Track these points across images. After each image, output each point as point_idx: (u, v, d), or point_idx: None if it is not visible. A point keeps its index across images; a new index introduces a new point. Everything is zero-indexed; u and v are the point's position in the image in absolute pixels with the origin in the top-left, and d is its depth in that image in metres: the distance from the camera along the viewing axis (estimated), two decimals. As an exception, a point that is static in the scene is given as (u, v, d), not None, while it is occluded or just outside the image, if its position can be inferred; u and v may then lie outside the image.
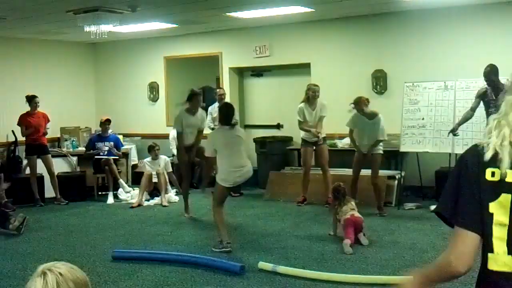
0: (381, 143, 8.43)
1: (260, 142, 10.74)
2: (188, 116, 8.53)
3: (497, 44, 8.78)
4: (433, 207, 6.77)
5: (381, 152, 8.48)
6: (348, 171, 8.76)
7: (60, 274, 1.74)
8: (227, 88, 11.13)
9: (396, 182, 9.05)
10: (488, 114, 7.65)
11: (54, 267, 1.78)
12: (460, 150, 8.34)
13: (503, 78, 7.62)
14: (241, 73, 11.69)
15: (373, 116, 8.34)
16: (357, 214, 6.99)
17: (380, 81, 9.84)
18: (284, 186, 9.82)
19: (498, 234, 1.75)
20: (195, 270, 5.99)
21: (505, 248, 1.74)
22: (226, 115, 7.01)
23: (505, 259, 1.74)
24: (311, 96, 8.91)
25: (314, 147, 9.14)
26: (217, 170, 6.82)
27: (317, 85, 8.99)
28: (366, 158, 8.41)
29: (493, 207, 1.76)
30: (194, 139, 8.63)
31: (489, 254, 1.77)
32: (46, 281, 1.70)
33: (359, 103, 8.35)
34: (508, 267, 1.74)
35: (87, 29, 8.87)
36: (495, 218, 1.75)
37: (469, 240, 1.78)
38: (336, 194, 7.23)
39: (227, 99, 10.35)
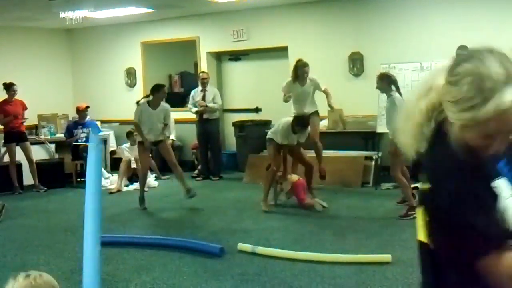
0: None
1: (239, 126, 10.77)
2: (147, 109, 8.25)
3: (471, 23, 8.85)
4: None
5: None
6: (327, 152, 8.78)
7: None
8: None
9: (373, 162, 9.15)
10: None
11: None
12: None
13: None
14: (219, 57, 11.68)
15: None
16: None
17: (356, 63, 9.90)
18: (263, 169, 9.84)
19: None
20: (175, 253, 6.03)
21: None
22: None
23: None
24: (300, 75, 8.62)
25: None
26: None
27: (307, 64, 8.63)
28: None
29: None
30: (156, 136, 8.34)
31: None
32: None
33: None
34: None
35: (62, 15, 8.80)
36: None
37: None
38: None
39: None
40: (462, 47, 7.94)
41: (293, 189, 7.91)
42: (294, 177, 8.06)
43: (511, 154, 1.62)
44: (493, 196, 1.53)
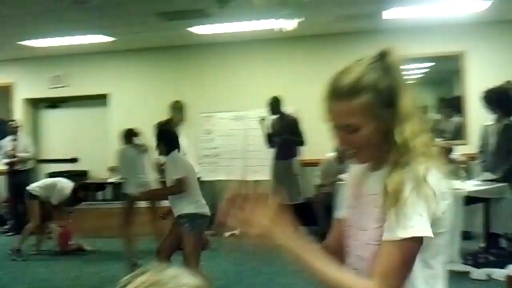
0: None
1: (56, 177, 10.24)
2: None
3: (285, 76, 9.32)
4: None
5: None
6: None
7: None
8: (20, 121, 10.56)
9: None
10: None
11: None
12: (250, 177, 8.68)
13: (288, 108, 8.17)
14: (36, 104, 11.16)
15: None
16: None
17: (178, 112, 9.89)
18: (81, 222, 9.35)
19: None
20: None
21: None
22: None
23: None
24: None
25: None
26: None
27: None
28: None
29: None
30: None
31: None
32: None
33: None
34: None
35: None
36: None
37: None
38: None
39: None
40: (274, 98, 8.30)
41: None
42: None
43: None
44: None
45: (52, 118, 11.13)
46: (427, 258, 1.60)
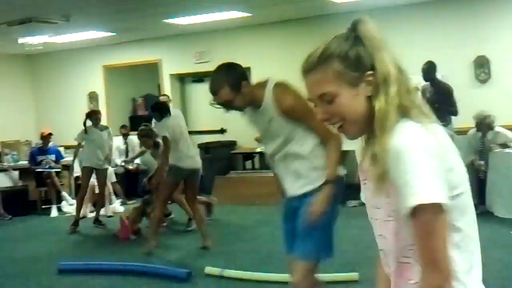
0: None
1: (204, 148, 10.75)
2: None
3: (430, 42, 9.03)
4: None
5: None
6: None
7: None
8: (169, 95, 11.10)
9: (339, 180, 9.19)
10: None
11: None
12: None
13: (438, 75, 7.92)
14: (182, 79, 11.68)
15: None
16: None
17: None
18: (230, 190, 9.84)
19: None
20: (142, 279, 5.97)
21: None
22: None
23: None
24: None
25: None
26: None
27: None
28: None
29: None
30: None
31: None
32: None
33: None
34: None
35: (21, 40, 8.73)
36: None
37: None
38: None
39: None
40: (429, 63, 8.00)
41: None
42: None
43: None
44: None
45: (198, 91, 11.60)
46: (453, 220, 1.53)
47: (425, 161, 1.46)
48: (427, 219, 1.46)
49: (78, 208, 8.67)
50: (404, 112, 1.55)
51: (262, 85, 3.38)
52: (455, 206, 1.51)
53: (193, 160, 6.98)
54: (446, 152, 1.53)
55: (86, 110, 12.07)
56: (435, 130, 1.53)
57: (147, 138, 7.98)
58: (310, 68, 1.64)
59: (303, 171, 3.35)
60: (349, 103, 1.59)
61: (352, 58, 1.59)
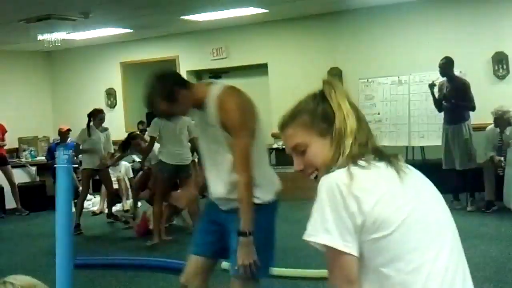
0: None
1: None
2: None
3: (448, 37, 8.97)
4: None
5: None
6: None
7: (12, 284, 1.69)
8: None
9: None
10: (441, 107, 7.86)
11: (12, 278, 1.74)
12: (416, 143, 8.54)
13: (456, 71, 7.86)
14: (199, 76, 11.70)
15: None
16: None
17: (335, 79, 9.96)
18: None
19: None
20: (159, 274, 5.99)
21: None
22: None
23: None
24: None
25: None
26: None
27: None
28: None
29: None
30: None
31: None
32: None
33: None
34: None
35: (40, 37, 8.79)
36: None
37: None
38: None
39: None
40: (446, 58, 7.93)
41: None
42: None
43: None
44: None
45: (215, 88, 11.58)
46: (379, 265, 1.55)
47: (326, 203, 1.58)
48: (327, 257, 1.62)
49: (78, 212, 8.43)
50: (353, 158, 1.65)
51: (206, 88, 3.12)
52: (377, 250, 1.55)
53: (180, 157, 6.99)
54: (368, 192, 1.57)
55: (104, 107, 12.24)
56: (367, 174, 1.61)
57: (135, 141, 7.93)
58: (284, 124, 1.82)
59: (233, 185, 3.12)
60: (320, 151, 1.73)
61: (319, 113, 1.76)
